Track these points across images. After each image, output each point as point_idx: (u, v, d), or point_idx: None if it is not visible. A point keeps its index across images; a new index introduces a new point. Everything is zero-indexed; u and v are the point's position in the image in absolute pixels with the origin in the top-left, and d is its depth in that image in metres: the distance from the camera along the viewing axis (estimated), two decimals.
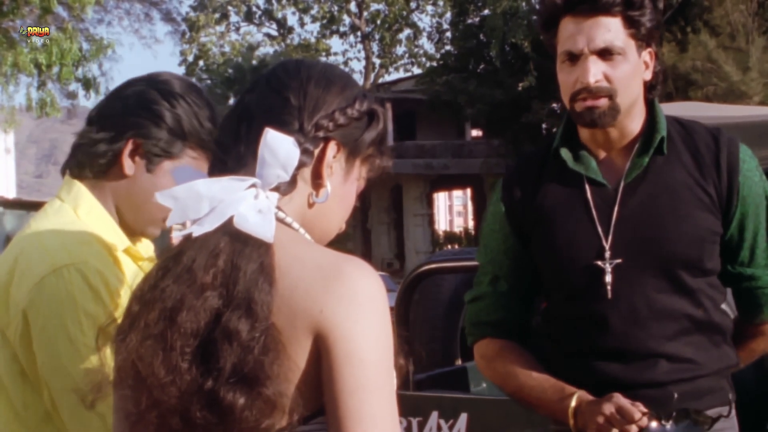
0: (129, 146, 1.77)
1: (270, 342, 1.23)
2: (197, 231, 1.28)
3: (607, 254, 2.04)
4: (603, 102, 2.01)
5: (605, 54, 2.01)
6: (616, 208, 2.05)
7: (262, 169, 1.31)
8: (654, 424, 1.96)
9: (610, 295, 2.03)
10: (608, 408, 1.92)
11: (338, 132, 1.37)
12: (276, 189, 1.32)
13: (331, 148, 1.37)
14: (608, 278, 2.03)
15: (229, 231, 1.28)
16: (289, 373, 1.24)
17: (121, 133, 1.78)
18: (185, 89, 1.82)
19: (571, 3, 2.02)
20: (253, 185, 1.30)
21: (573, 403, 2.01)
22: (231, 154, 1.36)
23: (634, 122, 2.09)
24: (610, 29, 2.01)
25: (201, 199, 1.29)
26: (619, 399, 1.93)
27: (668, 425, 1.98)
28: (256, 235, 1.27)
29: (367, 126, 1.41)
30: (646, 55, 2.08)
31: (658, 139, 2.06)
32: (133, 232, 1.84)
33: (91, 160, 1.79)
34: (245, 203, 1.29)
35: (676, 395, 1.99)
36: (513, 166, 2.26)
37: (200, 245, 1.27)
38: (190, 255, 1.27)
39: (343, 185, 1.41)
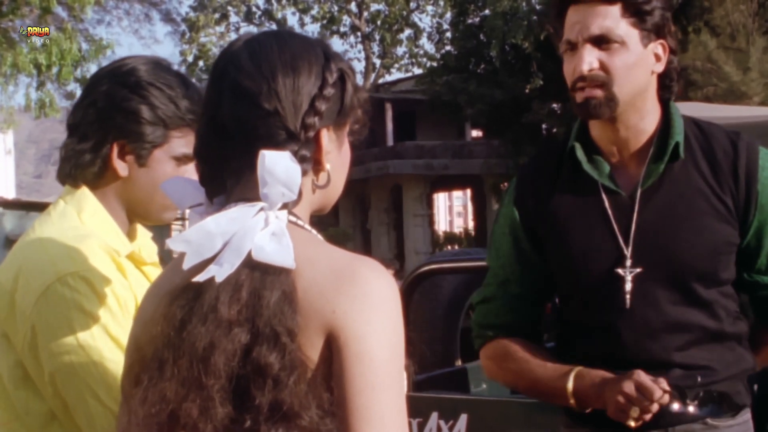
0: (115, 150, 1.77)
1: (300, 367, 1.22)
2: (220, 275, 1.25)
3: (629, 263, 2.00)
4: (598, 92, 1.98)
5: (602, 42, 1.98)
6: (634, 217, 2.02)
7: (265, 190, 1.27)
8: (676, 405, 1.90)
9: (628, 304, 2.00)
10: (628, 386, 1.88)
11: (325, 118, 1.34)
12: (284, 206, 1.29)
13: (324, 135, 1.34)
14: (628, 287, 2.00)
15: (248, 263, 1.25)
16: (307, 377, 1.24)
17: (102, 139, 1.77)
18: (152, 73, 1.79)
19: None
20: (261, 209, 1.28)
21: (570, 386, 1.99)
22: (225, 170, 1.33)
23: (644, 120, 2.05)
24: (608, 17, 1.98)
25: (213, 237, 1.26)
26: (640, 376, 1.89)
27: (691, 407, 1.92)
28: (277, 264, 1.25)
29: (343, 90, 1.37)
30: (657, 47, 2.03)
31: (672, 145, 2.02)
32: (151, 222, 1.85)
33: (82, 171, 1.78)
34: (258, 233, 1.26)
35: (699, 378, 1.95)
36: (526, 168, 2.22)
37: (223, 281, 1.25)
38: (212, 293, 1.25)
39: (339, 155, 1.39)
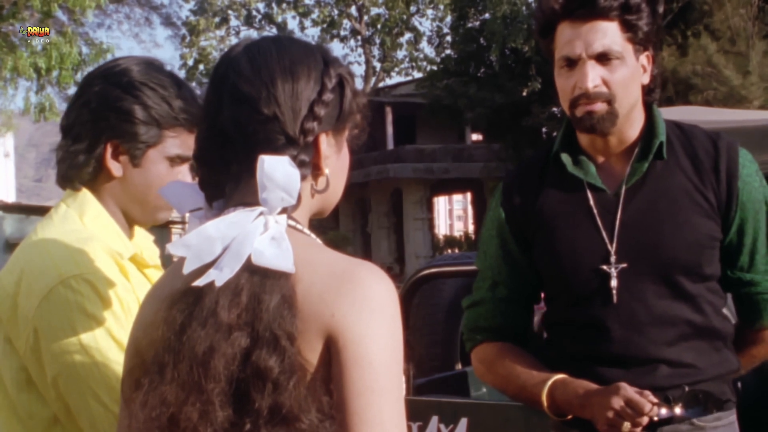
0: (108, 150, 1.77)
1: (299, 370, 1.23)
2: (219, 279, 1.25)
3: (613, 259, 2.04)
4: (601, 107, 2.02)
5: (603, 58, 2.01)
6: (618, 214, 2.05)
7: (264, 195, 1.28)
8: (663, 410, 1.95)
9: (615, 299, 2.03)
10: (617, 402, 1.92)
11: (323, 123, 1.34)
12: (283, 211, 1.30)
13: (323, 140, 1.35)
14: (614, 282, 2.03)
15: (248, 267, 1.26)
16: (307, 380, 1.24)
17: (96, 139, 1.77)
18: (145, 73, 1.79)
19: (569, 8, 2.02)
20: (261, 214, 1.28)
21: (544, 395, 2.04)
22: (224, 175, 1.34)
23: (632, 127, 2.10)
24: (608, 34, 2.01)
25: (213, 242, 1.27)
26: (627, 391, 1.93)
27: (677, 409, 1.97)
28: (276, 268, 1.25)
29: (342, 95, 1.38)
30: (644, 58, 2.08)
31: (657, 144, 2.07)
32: (145, 223, 1.85)
33: (77, 172, 1.78)
34: (258, 237, 1.27)
35: (687, 388, 1.99)
36: (513, 172, 2.25)
37: (222, 286, 1.26)
38: (212, 297, 1.25)
39: (338, 160, 1.40)
